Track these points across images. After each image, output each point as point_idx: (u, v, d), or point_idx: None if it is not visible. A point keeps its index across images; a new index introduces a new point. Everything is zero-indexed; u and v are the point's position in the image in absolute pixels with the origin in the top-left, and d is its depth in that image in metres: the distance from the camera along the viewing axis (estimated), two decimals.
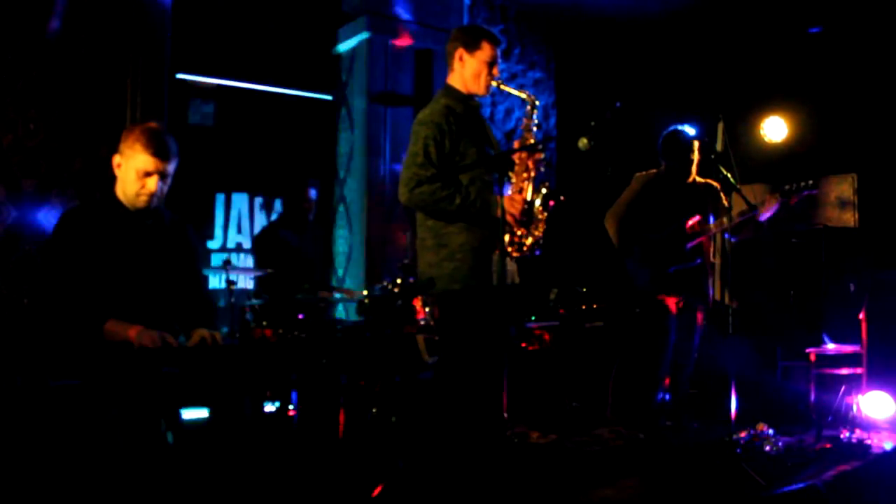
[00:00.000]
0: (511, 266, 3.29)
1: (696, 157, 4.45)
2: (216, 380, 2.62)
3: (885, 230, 5.50)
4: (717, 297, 4.58)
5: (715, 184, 4.51)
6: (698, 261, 4.37)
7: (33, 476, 2.36)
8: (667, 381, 4.41)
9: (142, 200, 2.78)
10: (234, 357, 2.77)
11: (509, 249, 3.15)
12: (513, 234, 3.15)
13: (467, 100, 3.29)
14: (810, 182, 4.19)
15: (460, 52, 3.28)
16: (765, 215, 4.14)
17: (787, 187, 4.17)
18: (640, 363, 4.47)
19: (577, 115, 6.93)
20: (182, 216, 3.07)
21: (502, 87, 3.34)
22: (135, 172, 2.75)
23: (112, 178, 2.84)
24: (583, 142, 2.94)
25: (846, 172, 5.75)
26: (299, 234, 4.93)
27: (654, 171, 4.56)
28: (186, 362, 2.58)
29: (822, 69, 5.95)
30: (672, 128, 4.49)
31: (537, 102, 3.31)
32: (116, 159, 2.80)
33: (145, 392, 2.45)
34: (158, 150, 2.74)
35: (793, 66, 6.08)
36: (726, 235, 4.25)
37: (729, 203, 3.90)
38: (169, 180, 2.83)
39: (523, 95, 3.32)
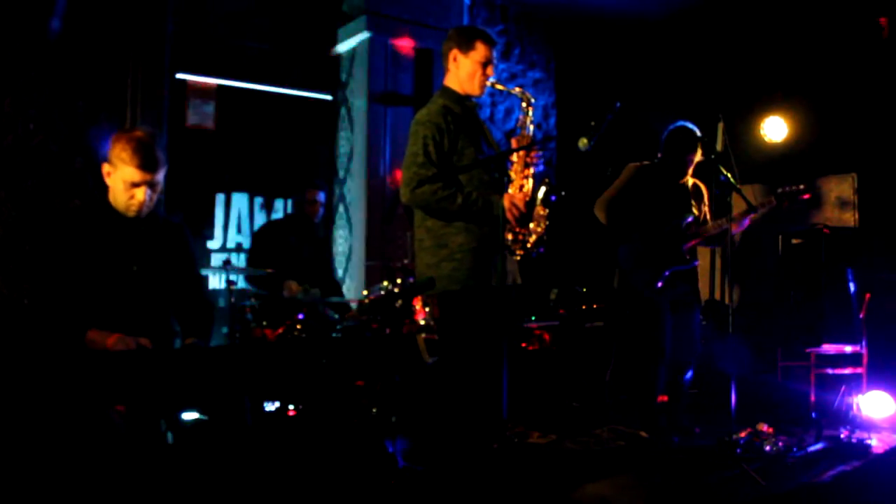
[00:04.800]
0: (511, 266, 3.29)
1: (697, 158, 4.45)
2: (216, 380, 2.62)
3: (885, 230, 5.50)
4: (717, 296, 4.58)
5: (702, 186, 4.51)
6: (695, 263, 4.38)
7: (32, 476, 2.36)
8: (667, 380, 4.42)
9: (132, 210, 2.78)
10: (234, 357, 2.77)
11: (514, 248, 3.15)
12: (515, 233, 3.15)
13: (464, 100, 3.29)
14: (801, 187, 4.19)
15: (454, 52, 3.28)
16: (744, 222, 4.19)
17: (780, 191, 4.18)
18: (638, 363, 4.47)
19: (577, 115, 6.94)
20: (182, 216, 3.07)
21: (497, 85, 3.34)
22: (122, 183, 2.73)
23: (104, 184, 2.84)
24: (583, 142, 2.94)
25: (846, 172, 5.75)
26: (302, 235, 4.92)
27: (648, 162, 4.53)
28: (175, 364, 2.57)
29: (822, 68, 5.95)
30: (680, 123, 4.46)
31: (532, 100, 3.31)
32: (106, 168, 2.78)
33: (141, 392, 2.45)
34: (144, 162, 2.71)
35: (793, 66, 6.08)
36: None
37: (729, 203, 3.90)
38: (159, 188, 2.82)
39: (517, 92, 3.33)
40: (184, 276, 2.96)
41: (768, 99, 6.11)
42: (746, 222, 4.20)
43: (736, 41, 6.41)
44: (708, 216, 4.48)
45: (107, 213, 2.81)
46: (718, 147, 3.89)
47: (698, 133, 4.40)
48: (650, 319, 4.35)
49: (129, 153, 2.70)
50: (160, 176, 2.79)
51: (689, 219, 4.37)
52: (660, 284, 4.26)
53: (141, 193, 2.75)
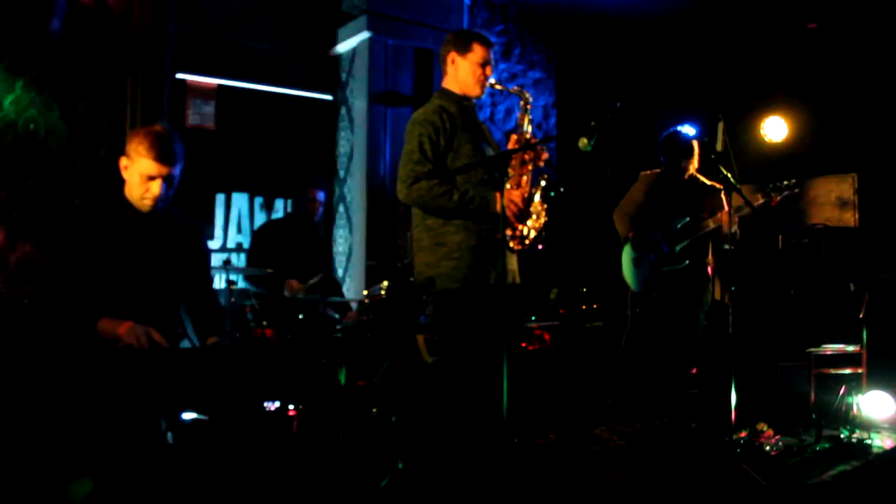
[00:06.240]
0: (512, 266, 3.29)
1: (695, 158, 4.49)
2: (216, 380, 2.62)
3: (885, 230, 5.50)
4: (717, 296, 4.59)
5: (718, 185, 4.53)
6: (686, 262, 4.38)
7: (33, 476, 2.36)
8: (667, 380, 4.43)
9: (146, 204, 2.77)
10: (234, 357, 2.77)
11: (511, 244, 3.15)
12: (513, 229, 3.15)
13: (461, 100, 3.31)
14: (793, 181, 4.21)
15: (452, 55, 3.31)
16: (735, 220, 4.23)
17: (770, 186, 4.21)
18: (639, 363, 4.49)
19: (577, 115, 6.94)
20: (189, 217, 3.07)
21: (496, 85, 3.37)
22: (139, 176, 2.74)
23: (121, 180, 2.84)
24: (583, 142, 2.94)
25: (846, 172, 5.75)
26: (302, 234, 4.92)
27: (658, 170, 4.61)
28: (177, 363, 2.57)
29: (822, 68, 5.95)
30: (671, 129, 4.54)
31: (530, 98, 3.33)
32: (123, 161, 2.79)
33: (141, 392, 2.45)
34: (162, 154, 2.71)
35: (793, 66, 6.08)
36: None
37: (729, 203, 3.91)
38: (175, 182, 2.81)
39: (515, 90, 3.36)
40: (197, 275, 2.96)
41: (768, 99, 6.12)
42: (736, 219, 4.23)
43: (736, 41, 6.41)
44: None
45: (121, 208, 2.80)
46: (718, 147, 3.90)
47: (690, 136, 4.44)
48: (647, 319, 4.38)
49: (147, 146, 2.71)
50: (177, 170, 2.78)
51: (686, 220, 4.39)
52: (653, 283, 4.30)
53: (156, 187, 2.74)
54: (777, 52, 6.18)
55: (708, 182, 4.53)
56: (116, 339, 2.58)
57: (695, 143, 4.52)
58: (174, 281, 2.86)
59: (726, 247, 4.37)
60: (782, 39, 6.17)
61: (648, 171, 4.64)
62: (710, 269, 4.51)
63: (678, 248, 4.36)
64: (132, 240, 2.78)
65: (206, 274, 3.07)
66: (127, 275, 2.75)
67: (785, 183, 4.20)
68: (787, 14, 6.09)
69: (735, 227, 4.26)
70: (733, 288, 4.09)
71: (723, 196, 4.48)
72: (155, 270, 2.80)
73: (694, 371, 4.49)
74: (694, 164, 4.53)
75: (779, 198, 4.22)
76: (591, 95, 6.84)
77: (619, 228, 4.62)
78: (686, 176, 4.51)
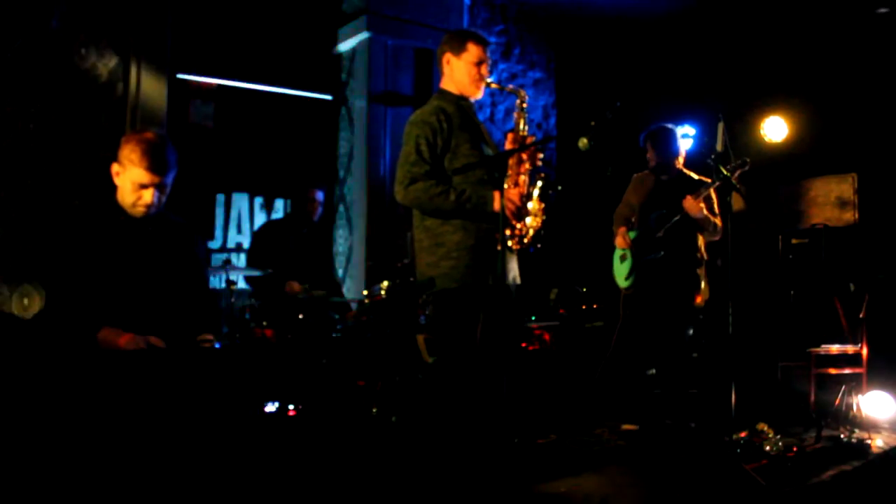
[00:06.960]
0: (513, 265, 3.30)
1: (681, 155, 4.52)
2: (216, 380, 2.62)
3: (885, 230, 5.51)
4: (717, 296, 4.59)
5: (706, 179, 4.54)
6: (661, 253, 4.37)
7: (32, 476, 2.36)
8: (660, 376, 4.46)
9: (138, 211, 2.76)
10: (234, 357, 2.77)
11: (510, 243, 3.15)
12: (512, 228, 3.15)
13: (459, 100, 3.31)
14: (747, 160, 4.20)
15: (448, 56, 3.32)
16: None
17: (729, 165, 4.21)
18: (628, 359, 4.52)
19: (577, 115, 6.94)
20: (184, 217, 3.06)
21: (492, 84, 3.39)
22: (131, 184, 2.72)
23: (113, 184, 2.83)
24: (583, 142, 2.95)
25: (846, 172, 5.75)
26: (302, 234, 4.92)
27: (647, 171, 4.64)
28: (176, 364, 2.56)
29: (822, 68, 5.95)
30: (655, 125, 4.55)
31: (526, 96, 3.34)
32: (115, 167, 2.77)
33: (141, 392, 2.45)
34: (154, 164, 2.70)
35: (793, 66, 6.09)
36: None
37: (728, 203, 3.91)
38: (167, 190, 2.80)
39: (510, 89, 3.38)
40: (190, 276, 2.96)
41: (768, 99, 6.12)
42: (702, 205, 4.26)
43: (736, 41, 6.42)
44: (715, 208, 4.50)
45: (114, 212, 2.80)
46: (718, 147, 3.91)
47: (677, 134, 4.45)
48: (636, 315, 4.41)
49: (139, 155, 2.69)
50: (169, 178, 2.77)
51: (663, 211, 4.40)
52: (635, 277, 4.33)
53: (148, 195, 2.74)
54: (777, 52, 6.18)
55: (696, 176, 4.53)
56: (117, 350, 2.58)
57: (681, 142, 4.55)
58: (168, 285, 2.85)
59: (713, 239, 4.40)
60: (782, 39, 6.17)
61: (639, 173, 4.67)
62: (702, 263, 4.49)
63: (653, 239, 4.39)
64: (125, 245, 2.78)
65: (200, 274, 3.05)
66: (123, 280, 2.75)
67: (730, 165, 4.19)
68: (788, 14, 6.10)
69: (703, 214, 4.25)
70: (718, 262, 4.06)
71: (712, 191, 4.50)
72: (149, 275, 2.80)
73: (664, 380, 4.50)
74: (680, 160, 4.55)
75: (735, 178, 4.22)
76: (591, 95, 6.84)
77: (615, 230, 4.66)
78: (673, 172, 4.53)
